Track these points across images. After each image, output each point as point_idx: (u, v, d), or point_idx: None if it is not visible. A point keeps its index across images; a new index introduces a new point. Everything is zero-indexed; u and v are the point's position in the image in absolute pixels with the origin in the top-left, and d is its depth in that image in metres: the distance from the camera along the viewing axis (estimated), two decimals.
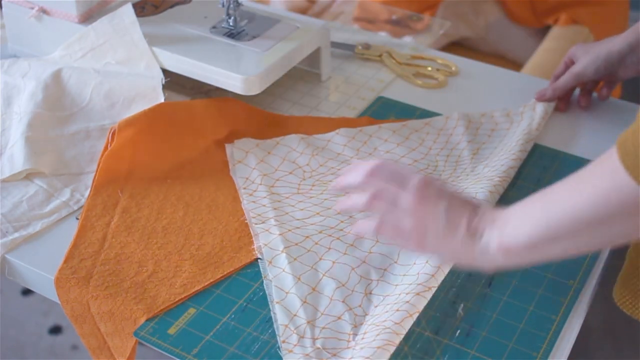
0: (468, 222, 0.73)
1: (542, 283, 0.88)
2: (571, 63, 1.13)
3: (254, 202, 0.97)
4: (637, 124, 0.62)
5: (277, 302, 0.84)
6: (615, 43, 1.08)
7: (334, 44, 1.26)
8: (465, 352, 0.81)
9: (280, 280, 0.87)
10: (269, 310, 0.85)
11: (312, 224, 0.94)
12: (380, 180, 0.76)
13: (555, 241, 0.69)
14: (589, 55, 1.09)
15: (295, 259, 0.89)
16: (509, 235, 0.71)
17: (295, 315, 0.83)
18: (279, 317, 0.83)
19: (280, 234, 0.92)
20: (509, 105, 1.15)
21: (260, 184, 1.00)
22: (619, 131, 0.87)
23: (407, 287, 0.85)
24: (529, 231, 0.70)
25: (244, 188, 0.99)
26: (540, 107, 1.12)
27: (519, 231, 0.70)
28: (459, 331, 0.83)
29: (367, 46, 1.28)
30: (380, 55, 1.27)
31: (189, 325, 0.84)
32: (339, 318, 0.83)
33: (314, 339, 0.81)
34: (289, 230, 0.92)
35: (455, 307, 0.85)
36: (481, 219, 0.73)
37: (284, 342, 0.81)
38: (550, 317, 0.84)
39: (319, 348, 0.80)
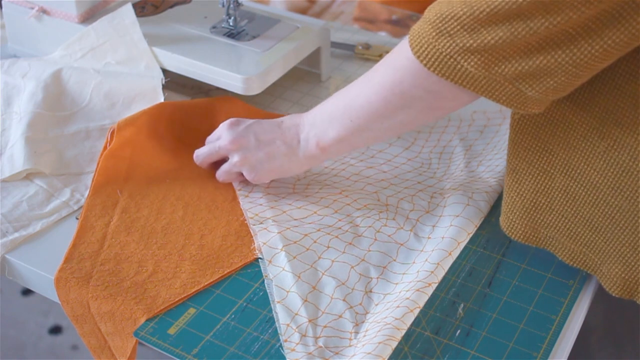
0: (281, 140, 0.91)
1: (542, 283, 0.88)
2: None
3: (250, 202, 0.97)
4: (425, 15, 0.74)
5: (278, 302, 0.85)
6: None
7: (334, 44, 1.26)
8: (465, 352, 0.81)
9: (281, 279, 0.87)
10: (269, 310, 0.85)
11: (310, 223, 0.94)
12: (207, 146, 0.99)
13: (359, 132, 0.85)
14: None
15: (294, 257, 0.89)
16: (322, 134, 0.87)
17: (296, 314, 0.83)
18: (281, 316, 0.83)
19: (278, 232, 0.92)
20: None
21: (256, 185, 1.00)
22: None
23: (407, 284, 0.86)
24: (337, 128, 0.86)
25: (240, 189, 0.99)
26: None
27: (329, 130, 0.86)
28: (459, 331, 0.83)
29: (367, 46, 1.28)
30: (380, 56, 1.27)
31: (189, 325, 0.84)
32: (340, 316, 0.84)
33: (316, 338, 0.81)
34: (287, 228, 0.93)
35: (455, 307, 0.85)
36: (290, 130, 0.90)
37: (286, 341, 0.81)
38: (550, 317, 0.84)
39: (321, 347, 0.80)
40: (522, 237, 0.88)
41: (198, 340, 0.82)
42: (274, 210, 0.96)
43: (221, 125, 0.96)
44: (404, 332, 0.80)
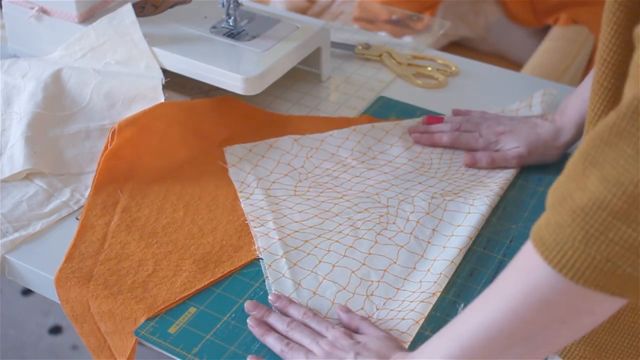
0: None
1: None
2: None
3: (251, 204, 0.97)
4: (548, 212, 0.57)
5: None
6: (544, 128, 1.02)
7: (334, 44, 1.26)
8: None
9: (281, 284, 0.87)
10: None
11: (310, 227, 0.94)
12: (300, 332, 0.80)
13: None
14: (518, 141, 1.03)
15: (295, 264, 0.89)
16: None
17: None
18: None
19: (279, 239, 0.91)
20: (509, 106, 1.15)
21: (257, 187, 0.99)
22: None
23: (411, 294, 0.85)
24: (443, 357, 0.65)
25: (241, 191, 0.99)
26: (537, 106, 1.12)
27: None
28: None
29: (367, 46, 1.28)
30: (380, 56, 1.27)
31: (189, 325, 0.84)
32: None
33: None
34: (288, 234, 0.92)
35: (456, 307, 0.85)
36: None
37: None
38: None
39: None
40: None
41: (198, 339, 0.82)
42: (275, 213, 0.96)
43: (331, 327, 0.80)
44: (409, 343, 0.80)
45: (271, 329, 0.81)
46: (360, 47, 1.28)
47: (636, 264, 0.53)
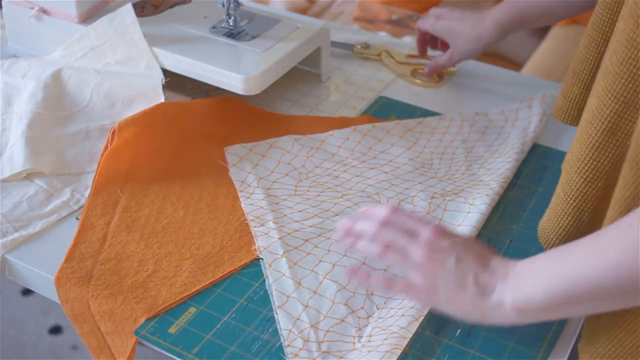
0: (476, 278, 0.71)
1: None
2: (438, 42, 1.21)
3: (251, 204, 0.97)
4: None
5: (278, 307, 0.84)
6: (487, 29, 1.13)
7: (334, 44, 1.27)
8: (465, 351, 0.81)
9: (281, 284, 0.87)
10: (270, 309, 0.85)
11: (310, 226, 0.94)
12: (392, 231, 0.75)
13: (573, 305, 0.66)
14: (465, 44, 1.15)
15: (295, 264, 0.89)
16: (524, 295, 0.69)
17: (297, 319, 0.83)
18: (282, 322, 0.83)
19: (279, 238, 0.92)
20: (509, 106, 1.15)
21: (257, 187, 0.99)
22: None
23: None
24: (545, 293, 0.67)
25: (241, 191, 0.99)
26: (537, 107, 1.12)
27: (534, 292, 0.68)
28: (459, 331, 0.83)
29: (366, 45, 1.28)
30: (379, 55, 1.27)
31: (190, 325, 0.84)
32: (343, 320, 0.83)
33: (319, 343, 0.81)
34: (288, 234, 0.92)
35: None
36: (492, 274, 0.72)
37: (288, 346, 0.81)
38: None
39: (325, 352, 0.80)
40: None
41: (198, 339, 0.82)
42: (275, 213, 0.96)
43: (423, 224, 0.75)
44: (408, 340, 0.80)
45: (360, 236, 0.77)
46: (359, 47, 1.28)
47: None
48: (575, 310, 0.68)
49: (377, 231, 0.75)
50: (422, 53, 1.25)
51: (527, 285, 0.69)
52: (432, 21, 1.18)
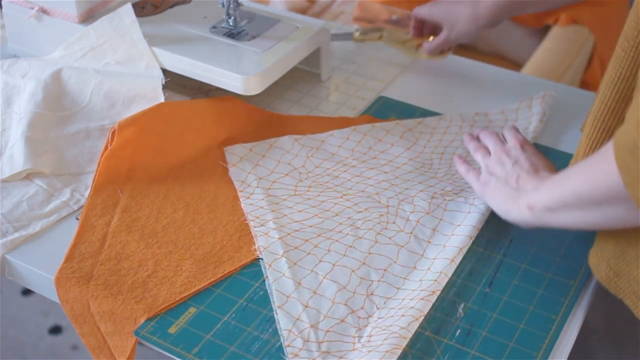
0: (518, 179, 0.90)
1: (542, 283, 0.88)
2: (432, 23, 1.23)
3: (251, 204, 0.97)
4: (629, 124, 0.69)
5: (278, 307, 0.84)
6: (484, 10, 1.15)
7: (333, 36, 1.26)
8: (465, 351, 0.81)
9: (281, 284, 0.87)
10: (270, 309, 0.85)
11: (310, 226, 0.94)
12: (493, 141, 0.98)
13: (566, 209, 0.80)
14: (462, 25, 1.17)
15: (295, 264, 0.89)
16: (535, 197, 0.85)
17: (297, 319, 0.83)
18: (282, 322, 0.83)
19: (279, 238, 0.92)
20: (509, 106, 1.15)
21: (257, 187, 1.00)
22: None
23: (411, 292, 0.86)
24: (548, 196, 0.83)
25: (241, 191, 0.99)
26: (537, 107, 1.12)
27: (541, 196, 0.84)
28: (459, 331, 0.83)
29: (365, 32, 1.28)
30: (380, 37, 1.27)
31: (190, 325, 0.84)
32: (343, 320, 0.83)
33: (319, 343, 0.81)
34: (288, 234, 0.92)
35: (456, 307, 0.85)
36: (530, 180, 0.89)
37: (288, 346, 0.81)
38: (550, 317, 0.84)
39: (325, 352, 0.80)
40: (604, 280, 0.84)
41: (198, 339, 0.82)
42: (275, 213, 0.96)
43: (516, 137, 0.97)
44: (408, 340, 0.81)
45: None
46: (357, 34, 1.28)
47: None
48: (571, 216, 0.80)
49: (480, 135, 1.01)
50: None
51: (540, 190, 0.85)
52: (428, 7, 1.20)
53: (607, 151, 0.73)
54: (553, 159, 1.06)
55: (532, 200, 0.85)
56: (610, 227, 0.80)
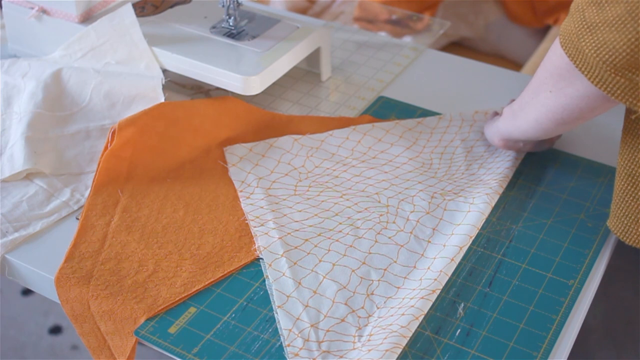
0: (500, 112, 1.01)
1: (542, 283, 0.88)
2: None
3: (251, 204, 0.97)
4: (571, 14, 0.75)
5: (278, 307, 0.84)
6: None
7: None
8: (465, 351, 0.81)
9: (281, 283, 0.87)
10: (270, 309, 0.85)
11: (310, 226, 0.94)
12: None
13: (528, 105, 0.89)
14: None
15: (295, 263, 0.89)
16: (505, 109, 0.97)
17: (298, 319, 0.83)
18: (282, 321, 0.83)
19: (279, 238, 0.92)
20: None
21: (257, 187, 1.00)
22: (619, 130, 0.87)
23: (411, 292, 0.86)
24: (514, 104, 0.93)
25: (241, 191, 0.99)
26: None
27: (510, 106, 0.95)
28: (459, 331, 0.83)
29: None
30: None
31: (190, 325, 0.84)
32: (343, 320, 0.83)
33: (319, 342, 0.81)
34: (288, 233, 0.93)
35: (456, 307, 0.85)
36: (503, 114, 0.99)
37: (288, 345, 0.81)
38: (550, 317, 0.84)
39: (326, 351, 0.80)
40: (638, 241, 0.84)
41: (198, 339, 0.82)
42: (275, 213, 0.96)
43: None
44: (408, 339, 0.81)
45: None
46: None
47: (589, 42, 0.73)
48: (534, 105, 0.89)
49: None
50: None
51: (508, 105, 0.98)
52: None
53: (553, 45, 0.80)
54: (553, 159, 1.06)
55: (502, 111, 0.98)
56: (575, 110, 0.83)
